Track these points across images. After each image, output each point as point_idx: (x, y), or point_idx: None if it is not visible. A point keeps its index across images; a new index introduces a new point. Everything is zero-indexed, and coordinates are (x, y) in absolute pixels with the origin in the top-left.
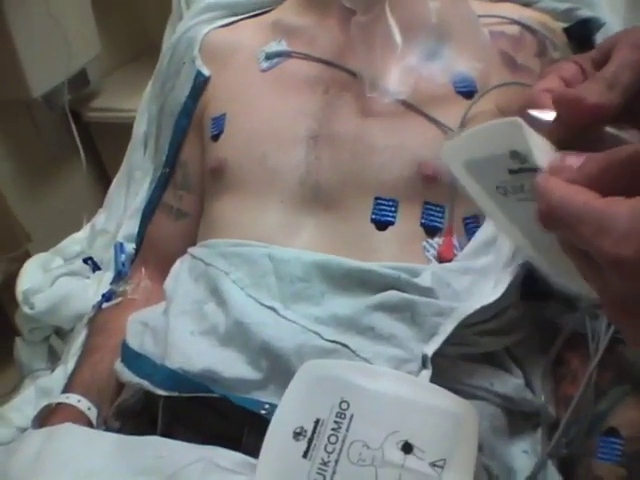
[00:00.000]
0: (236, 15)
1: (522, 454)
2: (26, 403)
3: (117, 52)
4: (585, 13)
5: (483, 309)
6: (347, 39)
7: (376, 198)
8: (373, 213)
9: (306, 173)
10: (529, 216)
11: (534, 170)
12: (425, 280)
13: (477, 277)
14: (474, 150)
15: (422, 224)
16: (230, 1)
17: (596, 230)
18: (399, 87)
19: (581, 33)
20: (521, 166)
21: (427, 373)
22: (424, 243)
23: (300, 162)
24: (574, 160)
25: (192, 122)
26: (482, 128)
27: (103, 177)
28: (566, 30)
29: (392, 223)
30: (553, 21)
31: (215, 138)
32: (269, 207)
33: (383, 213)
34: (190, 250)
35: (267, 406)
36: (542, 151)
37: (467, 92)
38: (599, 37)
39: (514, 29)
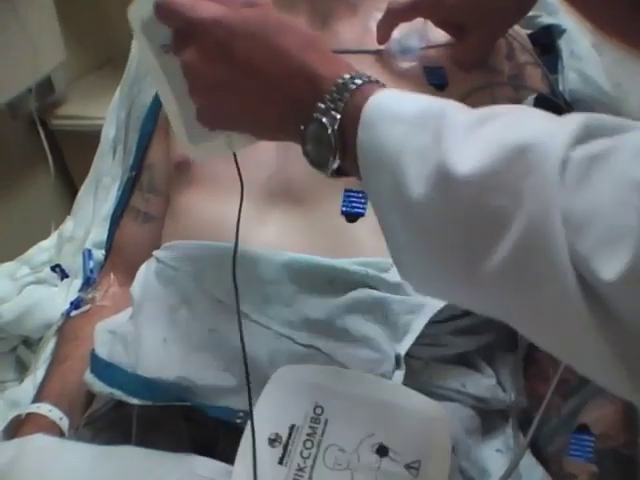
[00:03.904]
0: None
1: (495, 453)
2: None
3: (83, 59)
4: (546, 20)
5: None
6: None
7: (346, 190)
8: (343, 205)
9: (276, 167)
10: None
11: None
12: (394, 275)
13: None
14: (148, 9)
15: None
16: None
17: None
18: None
19: (544, 39)
20: None
21: (400, 374)
22: None
23: (270, 156)
24: None
25: (158, 124)
26: None
27: (69, 184)
28: (530, 36)
29: (362, 214)
30: (519, 27)
31: None
32: (235, 200)
33: (353, 205)
34: (155, 253)
35: (241, 414)
36: None
37: (439, 84)
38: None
39: None
